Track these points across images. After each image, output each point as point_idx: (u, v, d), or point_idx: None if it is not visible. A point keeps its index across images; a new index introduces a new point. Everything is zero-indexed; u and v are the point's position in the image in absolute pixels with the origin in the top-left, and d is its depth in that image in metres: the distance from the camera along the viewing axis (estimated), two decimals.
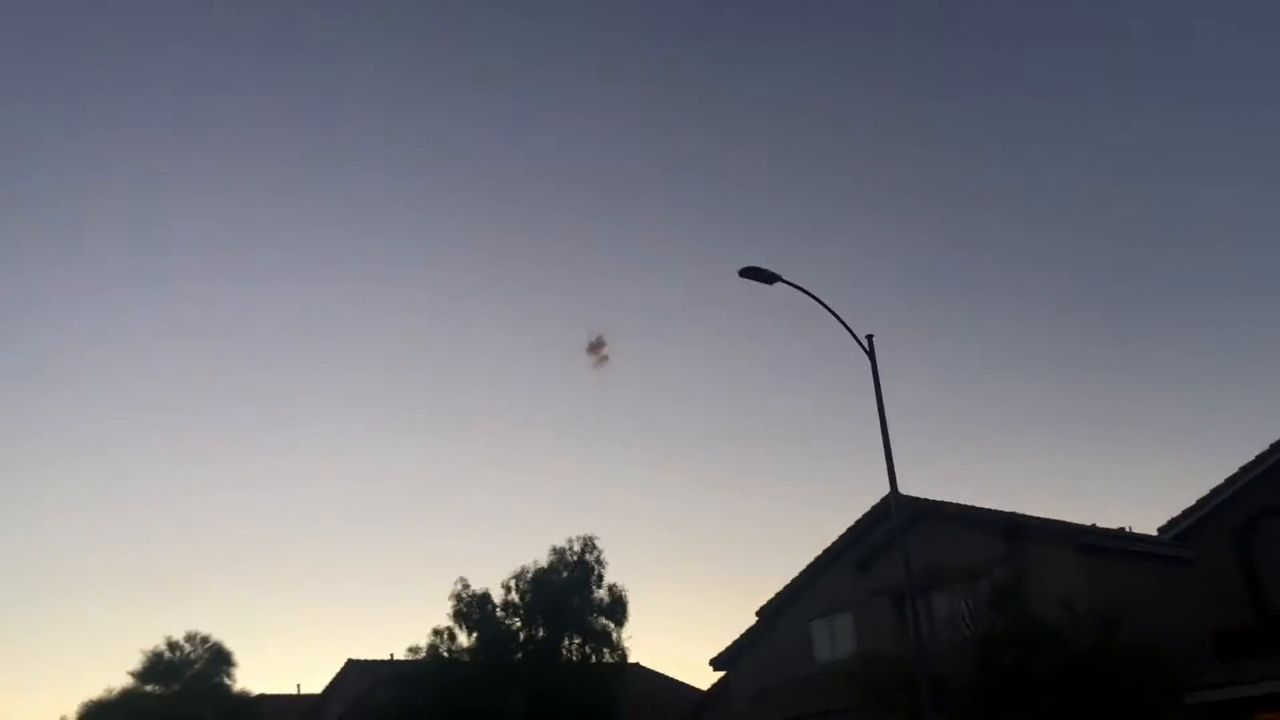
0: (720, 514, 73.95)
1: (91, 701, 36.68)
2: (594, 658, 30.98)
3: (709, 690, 32.88)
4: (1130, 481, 67.34)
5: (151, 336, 71.59)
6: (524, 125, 72.62)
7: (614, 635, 31.18)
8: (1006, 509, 23.53)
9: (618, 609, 31.37)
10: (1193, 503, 19.65)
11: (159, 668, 37.32)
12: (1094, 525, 23.78)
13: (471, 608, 30.97)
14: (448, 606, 31.00)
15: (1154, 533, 20.84)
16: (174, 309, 71.38)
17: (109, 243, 71.33)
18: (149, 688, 37.22)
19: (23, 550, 69.38)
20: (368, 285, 73.18)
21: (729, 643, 29.61)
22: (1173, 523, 19.95)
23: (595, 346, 48.22)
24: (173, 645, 37.84)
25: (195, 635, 38.26)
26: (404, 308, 73.28)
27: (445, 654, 30.66)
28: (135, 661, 37.38)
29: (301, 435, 73.09)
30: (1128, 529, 25.01)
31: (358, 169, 71.20)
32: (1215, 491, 19.40)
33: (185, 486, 71.99)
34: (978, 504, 24.32)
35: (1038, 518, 23.50)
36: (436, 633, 30.84)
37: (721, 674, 30.74)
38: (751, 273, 18.82)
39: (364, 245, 73.68)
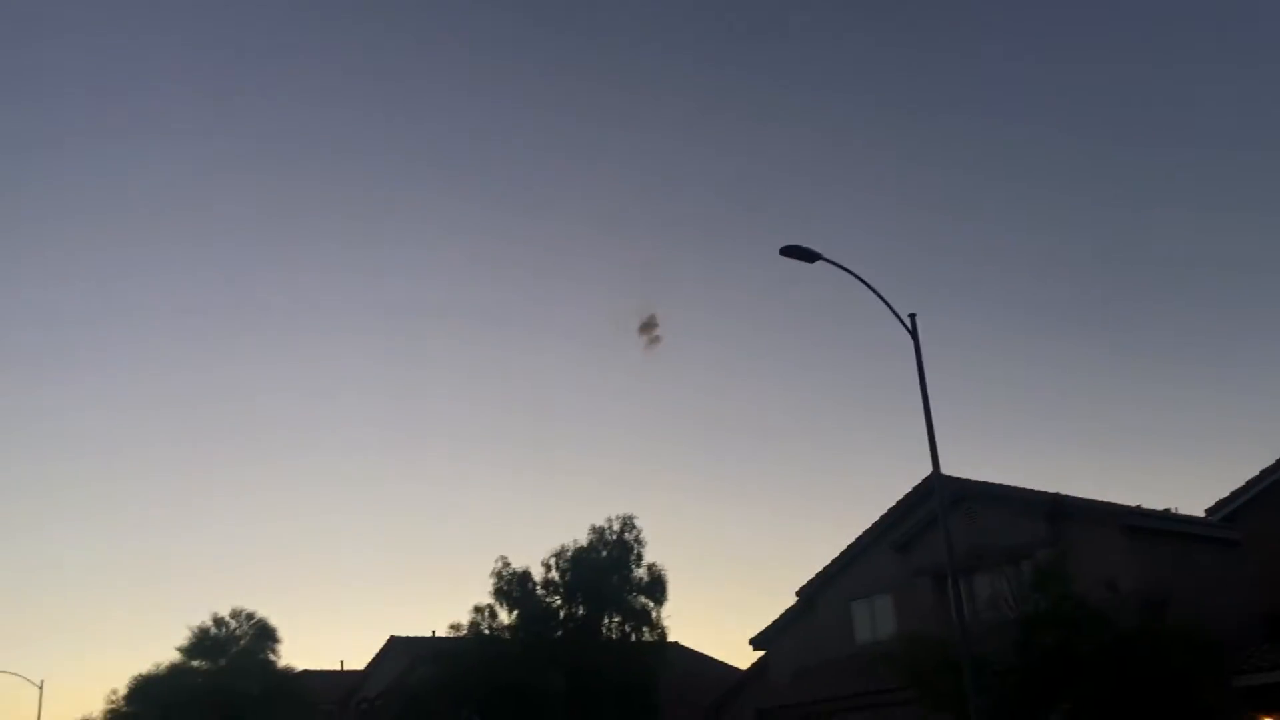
0: (761, 493, 74.00)
1: (140, 676, 37.40)
2: (633, 636, 31.10)
3: (748, 670, 32.85)
4: (1177, 462, 66.53)
5: (207, 334, 72.53)
6: (577, 113, 72.60)
7: (653, 614, 31.36)
8: (1050, 489, 23.26)
9: (657, 588, 31.47)
10: (1242, 484, 19.35)
11: (205, 643, 37.94)
12: (1139, 506, 23.43)
13: (512, 586, 31.20)
14: (489, 584, 31.39)
15: (1202, 514, 20.54)
16: (233, 305, 72.38)
17: (160, 237, 72.31)
18: (195, 663, 37.87)
19: (82, 543, 71.05)
20: (412, 267, 73.63)
21: (769, 622, 29.56)
22: (1221, 504, 19.66)
23: (647, 326, 47.76)
24: (218, 621, 38.42)
25: (240, 612, 38.85)
26: (452, 283, 73.78)
27: (486, 631, 30.96)
28: (183, 638, 38.10)
29: (348, 416, 73.95)
30: (1174, 510, 24.62)
31: (409, 161, 71.64)
32: (1265, 472, 19.11)
33: (236, 472, 73.15)
34: (1021, 485, 24.05)
35: (1082, 498, 23.19)
36: (478, 610, 31.19)
37: (761, 653, 30.69)
38: (793, 251, 18.59)
39: (405, 234, 74.12)
